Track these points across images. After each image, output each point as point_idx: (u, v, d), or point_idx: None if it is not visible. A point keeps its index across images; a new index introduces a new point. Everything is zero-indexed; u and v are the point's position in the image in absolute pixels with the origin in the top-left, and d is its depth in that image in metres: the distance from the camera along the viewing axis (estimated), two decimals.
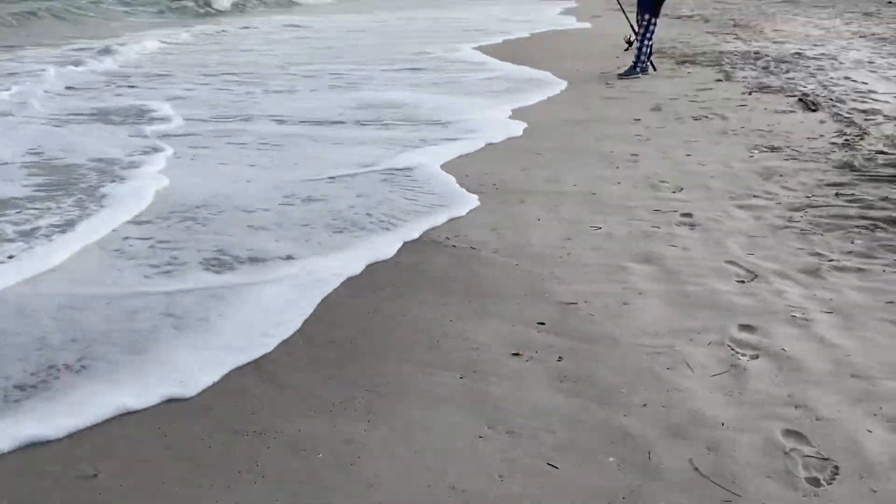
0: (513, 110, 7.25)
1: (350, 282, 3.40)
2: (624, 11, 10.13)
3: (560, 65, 10.35)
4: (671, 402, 2.41)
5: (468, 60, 10.87)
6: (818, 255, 3.60)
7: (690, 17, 18.71)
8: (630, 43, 9.52)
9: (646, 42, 9.19)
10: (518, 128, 6.53)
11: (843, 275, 3.36)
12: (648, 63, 9.52)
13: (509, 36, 14.59)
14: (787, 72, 9.30)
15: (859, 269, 3.40)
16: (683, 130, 6.41)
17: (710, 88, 8.36)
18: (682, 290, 3.24)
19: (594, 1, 24.90)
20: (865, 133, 6.03)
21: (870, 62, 10.22)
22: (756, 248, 3.70)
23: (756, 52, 11.07)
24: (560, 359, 2.70)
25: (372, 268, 3.55)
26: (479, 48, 12.42)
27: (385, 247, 3.74)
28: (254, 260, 3.61)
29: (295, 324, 2.96)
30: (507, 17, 20.15)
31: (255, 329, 2.90)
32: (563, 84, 8.74)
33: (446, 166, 5.29)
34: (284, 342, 2.84)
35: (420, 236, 3.93)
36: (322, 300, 3.20)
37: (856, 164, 5.13)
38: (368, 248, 3.72)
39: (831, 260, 3.53)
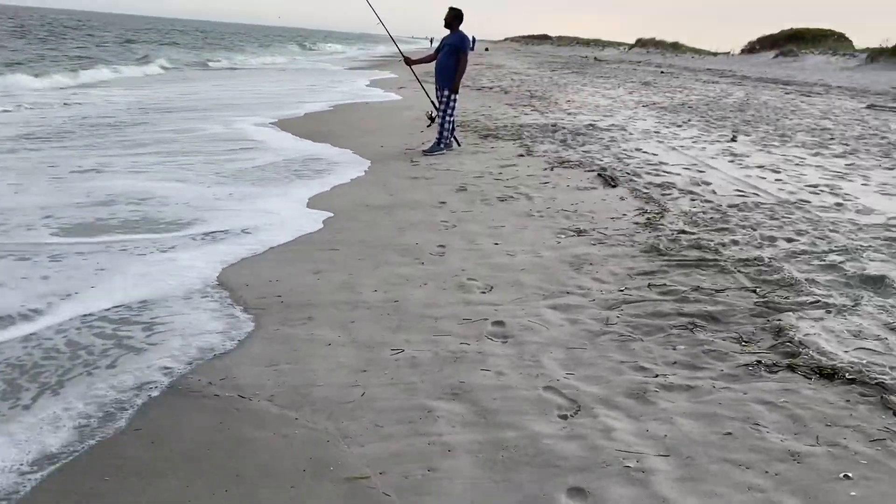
0: (309, 198, 6.57)
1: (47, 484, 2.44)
2: (423, 86, 9.93)
3: (364, 141, 9.90)
4: None
5: (250, 138, 10.09)
6: (642, 369, 3.20)
7: (491, 88, 19.39)
8: (432, 119, 9.28)
9: (447, 118, 8.99)
10: (313, 220, 5.83)
11: (672, 396, 2.96)
12: (452, 138, 9.32)
13: (315, 107, 14.05)
14: (584, 144, 9.49)
15: (688, 388, 3.02)
16: (490, 214, 6.06)
17: (514, 164, 8.24)
18: (498, 440, 2.65)
19: (409, 72, 25.23)
20: (665, 210, 6.02)
21: (656, 132, 10.81)
22: (576, 366, 3.23)
23: (553, 125, 11.36)
24: None
25: (94, 450, 2.61)
26: (281, 121, 11.73)
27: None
28: None
29: None
30: (315, 87, 19.72)
31: None
32: (366, 164, 8.23)
33: (226, 272, 4.45)
34: None
35: (169, 385, 3.05)
36: None
37: (661, 247, 4.98)
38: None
39: (657, 375, 3.13)
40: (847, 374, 3.07)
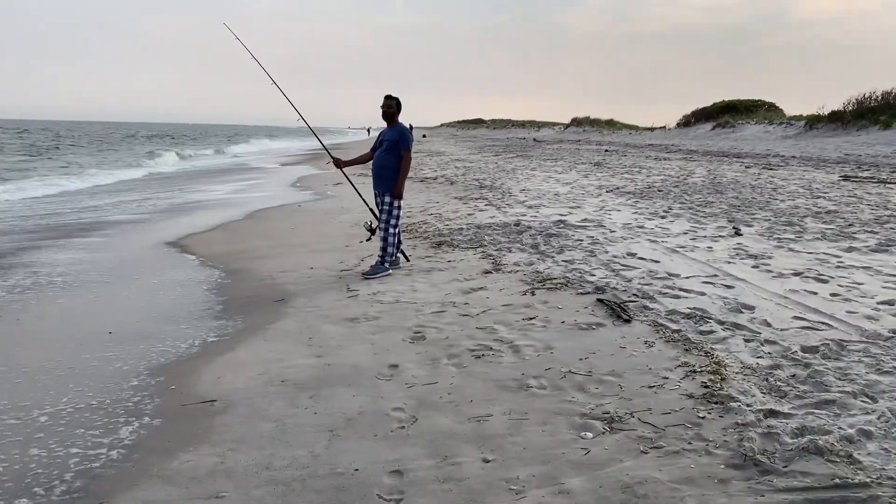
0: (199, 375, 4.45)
1: None
2: (359, 193, 8.00)
3: (289, 262, 7.87)
4: None
5: (154, 268, 7.95)
6: None
7: (435, 178, 17.74)
8: (372, 230, 7.35)
9: (391, 231, 7.06)
10: (184, 434, 3.71)
11: None
12: (398, 254, 7.39)
13: (234, 213, 11.93)
14: (561, 250, 7.67)
15: None
16: (465, 389, 4.04)
17: (481, 287, 6.31)
18: None
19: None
20: (719, 365, 4.11)
21: (640, 227, 9.11)
22: None
23: (516, 223, 9.58)
24: None
25: None
26: (188, 238, 9.62)
27: None
28: None
29: None
30: (236, 188, 17.56)
31: None
32: (289, 303, 6.17)
33: None
34: None
35: None
36: None
37: (758, 455, 3.03)
38: None
39: None
40: None
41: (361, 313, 5.72)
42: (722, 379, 3.89)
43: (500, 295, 6.02)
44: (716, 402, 3.61)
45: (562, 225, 9.34)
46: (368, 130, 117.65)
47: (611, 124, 57.96)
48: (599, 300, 5.58)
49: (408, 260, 7.55)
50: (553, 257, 7.36)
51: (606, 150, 30.35)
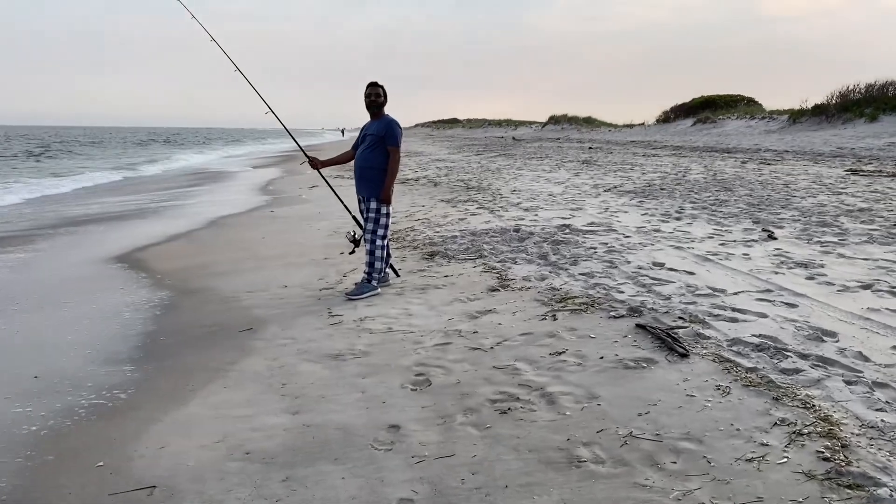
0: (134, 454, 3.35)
1: None
2: (335, 192, 6.89)
3: (258, 278, 6.77)
4: None
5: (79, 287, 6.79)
6: None
7: (416, 180, 16.66)
8: (356, 242, 6.27)
9: (378, 241, 5.99)
10: None
11: None
12: (387, 269, 6.32)
13: (195, 221, 10.72)
14: (575, 261, 6.65)
15: None
16: (494, 468, 2.99)
17: (490, 310, 5.27)
18: None
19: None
20: (830, 423, 3.10)
21: (656, 231, 8.13)
22: None
23: (516, 229, 8.54)
24: None
25: None
26: (138, 252, 8.42)
27: None
28: None
29: None
30: (199, 193, 16.20)
31: None
32: (257, 333, 5.08)
33: None
34: None
35: None
36: None
37: None
38: None
39: None
40: None
41: (347, 347, 4.65)
42: (843, 446, 2.88)
43: (515, 320, 4.98)
44: (849, 486, 2.59)
45: (567, 230, 8.32)
46: (343, 132, 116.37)
47: (589, 122, 57.24)
48: (640, 326, 4.55)
49: (398, 275, 6.49)
50: (567, 269, 6.33)
51: (591, 147, 29.50)
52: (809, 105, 32.48)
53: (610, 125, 54.06)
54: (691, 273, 5.92)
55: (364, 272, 6.06)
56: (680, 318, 4.68)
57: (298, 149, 7.13)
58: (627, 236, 7.77)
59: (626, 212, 9.71)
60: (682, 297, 5.20)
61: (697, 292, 5.30)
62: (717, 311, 4.77)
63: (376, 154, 5.97)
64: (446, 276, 6.46)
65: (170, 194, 17.09)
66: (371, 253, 5.98)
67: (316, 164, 6.38)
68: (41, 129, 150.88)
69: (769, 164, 17.44)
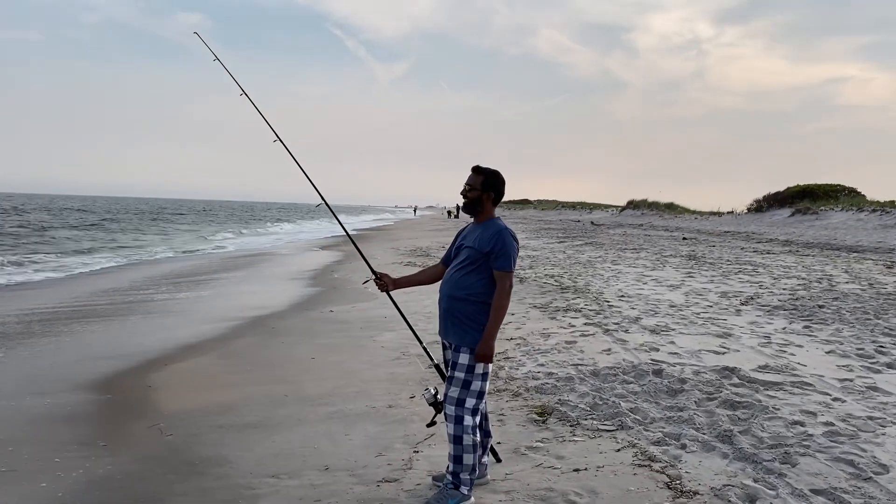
0: None
1: None
2: (412, 329, 4.61)
3: (289, 443, 4.53)
4: None
5: None
6: None
7: None
8: (437, 407, 3.96)
9: (468, 421, 3.67)
10: None
11: None
12: (487, 456, 3.99)
13: (234, 324, 8.59)
14: (787, 456, 4.16)
15: None
16: None
17: None
18: None
19: (397, 251, 19.57)
20: None
21: (873, 388, 5.52)
22: None
23: (657, 371, 6.06)
24: None
25: None
26: (146, 372, 6.35)
27: None
28: None
29: None
30: (236, 280, 14.14)
31: None
32: None
33: None
34: None
35: None
36: None
37: None
38: None
39: None
40: None
41: None
42: None
43: None
44: None
45: (734, 377, 5.82)
46: (415, 210, 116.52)
47: (671, 207, 54.36)
48: None
49: (498, 460, 4.16)
50: (782, 474, 3.85)
51: (685, 238, 26.76)
52: None
53: (694, 212, 51.05)
54: None
55: (447, 471, 3.73)
56: None
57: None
58: (835, 398, 5.21)
59: (798, 345, 7.12)
60: None
61: None
62: None
63: (475, 279, 3.73)
64: (576, 470, 4.06)
65: (222, 277, 15.35)
66: (457, 440, 3.65)
67: (386, 285, 4.19)
68: (159, 202, 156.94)
69: None
